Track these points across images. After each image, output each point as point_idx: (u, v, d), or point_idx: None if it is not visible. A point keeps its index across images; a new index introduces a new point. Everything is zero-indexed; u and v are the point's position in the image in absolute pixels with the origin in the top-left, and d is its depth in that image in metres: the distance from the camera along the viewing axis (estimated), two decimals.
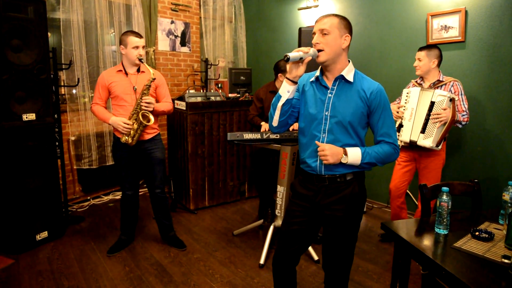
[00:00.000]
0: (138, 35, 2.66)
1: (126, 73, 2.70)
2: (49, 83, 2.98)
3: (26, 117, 2.78)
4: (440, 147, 2.63)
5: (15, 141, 2.75)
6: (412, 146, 2.75)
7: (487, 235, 1.60)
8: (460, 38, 3.10)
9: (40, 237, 2.94)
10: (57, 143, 3.23)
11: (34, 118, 2.83)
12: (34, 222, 2.91)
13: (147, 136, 2.75)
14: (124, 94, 2.66)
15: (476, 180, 2.13)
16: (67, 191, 3.63)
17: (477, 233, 1.62)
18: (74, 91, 3.81)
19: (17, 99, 2.74)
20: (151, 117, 2.63)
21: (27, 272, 2.57)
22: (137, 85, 2.68)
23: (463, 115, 2.63)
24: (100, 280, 2.50)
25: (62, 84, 3.64)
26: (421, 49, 2.76)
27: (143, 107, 2.61)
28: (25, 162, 2.82)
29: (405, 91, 2.84)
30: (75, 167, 3.87)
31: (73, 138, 3.81)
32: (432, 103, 2.58)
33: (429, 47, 2.74)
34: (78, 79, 3.66)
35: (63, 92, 3.69)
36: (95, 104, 2.73)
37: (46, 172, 2.98)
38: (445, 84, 2.70)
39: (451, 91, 2.67)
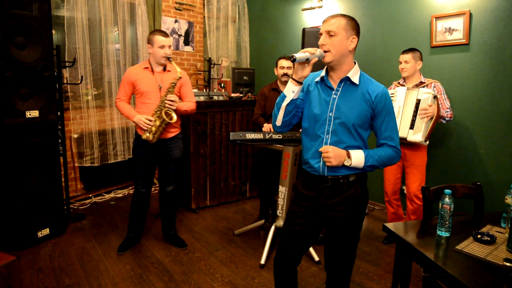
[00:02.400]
0: (165, 34, 2.70)
1: (153, 71, 2.72)
2: (53, 81, 2.99)
3: (29, 114, 2.79)
4: (427, 142, 2.76)
5: (18, 138, 2.76)
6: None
7: (489, 238, 1.59)
8: (464, 40, 3.09)
9: (41, 234, 2.95)
10: (59, 141, 3.24)
11: (37, 115, 2.84)
12: (36, 219, 2.91)
13: (169, 135, 2.79)
14: (149, 92, 2.69)
15: (478, 183, 2.13)
16: (69, 188, 3.64)
17: (479, 236, 1.62)
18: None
19: (20, 96, 2.74)
20: (174, 115, 2.65)
21: (28, 269, 2.58)
22: (163, 83, 2.71)
23: (447, 111, 2.77)
24: (101, 278, 2.50)
25: (66, 81, 3.65)
26: (406, 52, 2.87)
27: (166, 105, 2.63)
28: (27, 159, 2.83)
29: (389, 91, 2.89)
30: (77, 165, 3.88)
31: (75, 136, 3.81)
32: (418, 101, 2.70)
33: (413, 50, 2.86)
34: (82, 77, 3.67)
35: (66, 90, 3.70)
36: (119, 100, 2.77)
37: (48, 169, 2.99)
38: (427, 85, 2.84)
39: (434, 90, 2.79)
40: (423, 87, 2.82)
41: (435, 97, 2.67)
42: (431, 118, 2.66)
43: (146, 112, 2.68)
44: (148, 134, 2.65)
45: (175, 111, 2.68)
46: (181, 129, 2.90)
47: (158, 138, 2.69)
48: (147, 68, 2.73)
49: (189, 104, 2.83)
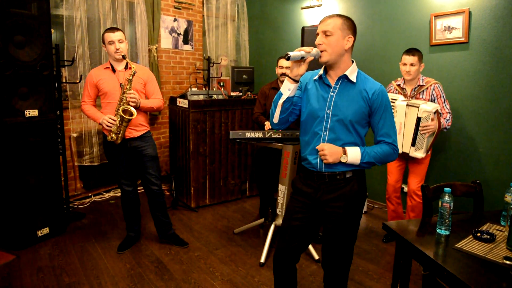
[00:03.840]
0: (113, 30, 2.61)
1: (114, 70, 2.68)
2: (52, 80, 2.98)
3: (29, 113, 2.79)
4: (429, 153, 2.81)
5: (17, 137, 2.76)
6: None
7: (488, 236, 1.60)
8: (463, 39, 3.09)
9: (41, 233, 2.95)
10: (59, 140, 3.24)
11: (37, 115, 2.84)
12: (36, 218, 2.91)
13: (136, 134, 2.71)
14: (111, 91, 2.64)
15: (478, 181, 2.13)
16: (69, 187, 3.64)
17: (478, 234, 1.62)
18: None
19: (20, 95, 2.74)
20: (133, 110, 2.55)
21: (28, 268, 2.58)
22: (124, 81, 2.64)
23: (447, 119, 2.75)
24: (101, 276, 2.50)
25: (65, 80, 3.64)
26: (411, 53, 2.76)
27: (128, 100, 2.55)
28: (27, 158, 2.83)
29: (389, 94, 2.87)
30: (76, 164, 3.88)
31: (74, 135, 3.81)
32: (419, 119, 2.68)
33: (417, 51, 2.78)
34: (81, 76, 3.66)
35: (65, 89, 3.69)
36: (84, 103, 2.72)
37: (48, 169, 2.98)
38: (427, 88, 2.80)
39: (433, 94, 2.79)
40: (422, 91, 2.81)
41: (435, 112, 2.63)
42: (433, 133, 2.68)
43: (111, 112, 2.62)
44: (113, 135, 2.59)
45: (139, 108, 2.62)
46: (149, 127, 2.83)
47: (122, 138, 2.62)
48: (108, 68, 2.68)
49: (154, 101, 2.76)
